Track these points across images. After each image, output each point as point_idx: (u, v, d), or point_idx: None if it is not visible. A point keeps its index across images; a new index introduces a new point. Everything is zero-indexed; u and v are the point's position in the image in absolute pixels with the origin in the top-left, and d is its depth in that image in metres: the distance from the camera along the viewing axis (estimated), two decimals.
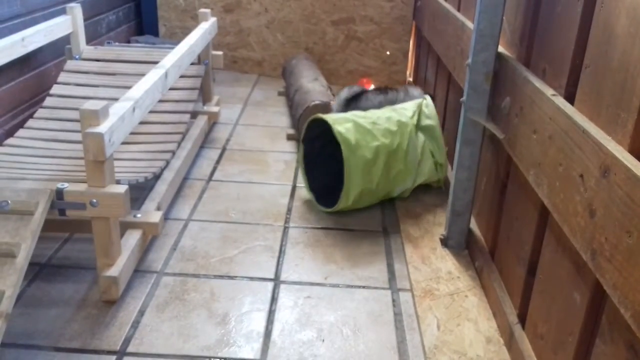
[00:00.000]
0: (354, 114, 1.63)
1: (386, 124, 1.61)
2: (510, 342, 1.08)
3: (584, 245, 0.80)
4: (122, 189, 1.13)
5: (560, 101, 0.93)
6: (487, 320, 1.16)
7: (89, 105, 1.10)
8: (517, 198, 1.16)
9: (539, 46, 1.09)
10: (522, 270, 1.09)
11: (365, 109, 1.83)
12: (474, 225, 1.44)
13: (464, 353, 1.07)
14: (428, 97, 1.73)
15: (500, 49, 1.24)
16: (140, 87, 1.33)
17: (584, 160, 0.81)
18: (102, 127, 1.08)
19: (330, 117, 1.58)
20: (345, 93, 1.90)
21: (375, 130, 1.58)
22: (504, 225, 1.24)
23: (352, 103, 1.87)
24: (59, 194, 1.11)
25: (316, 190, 1.68)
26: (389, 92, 1.90)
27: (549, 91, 0.97)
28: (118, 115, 1.15)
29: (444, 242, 1.43)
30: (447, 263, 1.36)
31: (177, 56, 1.63)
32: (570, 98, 0.93)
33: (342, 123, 1.56)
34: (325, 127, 1.64)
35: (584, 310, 0.84)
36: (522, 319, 1.07)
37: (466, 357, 1.06)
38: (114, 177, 1.17)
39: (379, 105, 1.86)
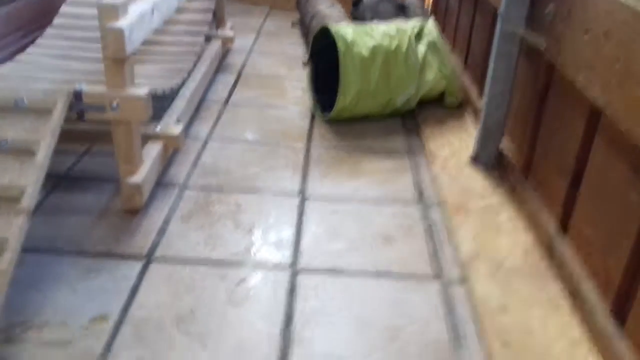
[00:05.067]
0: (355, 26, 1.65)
1: (385, 29, 1.62)
2: (551, 251, 1.04)
3: None
4: (143, 91, 1.07)
5: None
6: (524, 231, 1.12)
7: (108, 0, 1.03)
8: (558, 109, 1.10)
9: None
10: (563, 182, 1.04)
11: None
12: (503, 145, 1.38)
13: (501, 262, 1.03)
14: (431, 19, 1.73)
15: None
16: None
17: None
18: (123, 23, 1.02)
19: (331, 25, 1.61)
20: None
21: (374, 32, 1.60)
22: (541, 140, 1.18)
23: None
24: (78, 94, 1.06)
25: (321, 102, 1.68)
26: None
27: None
28: (138, 12, 1.08)
29: (474, 160, 1.38)
30: (477, 181, 1.31)
31: None
32: None
33: (341, 27, 1.58)
34: (331, 42, 1.60)
35: None
36: (564, 228, 1.03)
37: (504, 267, 1.02)
38: (134, 79, 1.11)
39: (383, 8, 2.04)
